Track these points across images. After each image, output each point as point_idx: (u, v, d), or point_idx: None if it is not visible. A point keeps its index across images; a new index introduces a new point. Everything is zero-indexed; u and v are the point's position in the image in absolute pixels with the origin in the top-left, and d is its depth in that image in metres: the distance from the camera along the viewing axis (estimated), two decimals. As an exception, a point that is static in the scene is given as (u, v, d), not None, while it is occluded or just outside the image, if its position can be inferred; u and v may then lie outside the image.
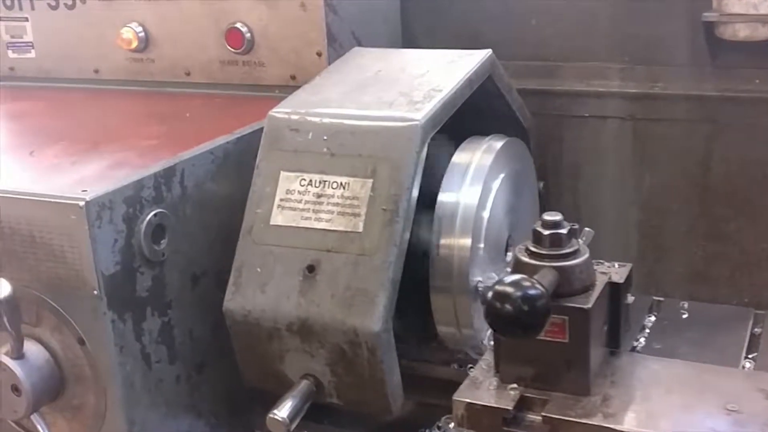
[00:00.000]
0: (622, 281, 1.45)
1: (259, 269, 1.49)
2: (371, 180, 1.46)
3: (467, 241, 1.54)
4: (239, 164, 1.68)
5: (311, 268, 1.46)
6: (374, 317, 1.41)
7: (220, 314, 1.58)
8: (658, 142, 2.12)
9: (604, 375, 1.41)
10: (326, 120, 1.52)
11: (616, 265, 1.49)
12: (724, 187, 2.09)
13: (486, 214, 1.57)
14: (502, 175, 1.62)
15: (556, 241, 1.38)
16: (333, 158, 1.49)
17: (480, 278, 1.57)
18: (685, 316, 1.81)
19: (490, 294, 1.14)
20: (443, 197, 1.56)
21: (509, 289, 1.13)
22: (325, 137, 1.51)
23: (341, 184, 1.48)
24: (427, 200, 1.54)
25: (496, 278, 1.59)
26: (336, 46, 1.88)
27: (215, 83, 2.00)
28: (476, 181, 1.57)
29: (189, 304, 1.61)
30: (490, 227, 1.58)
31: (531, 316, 1.13)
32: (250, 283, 1.50)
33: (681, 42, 2.03)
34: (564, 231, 1.38)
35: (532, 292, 1.14)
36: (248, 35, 1.93)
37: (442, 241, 1.54)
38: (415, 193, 1.47)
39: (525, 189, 1.76)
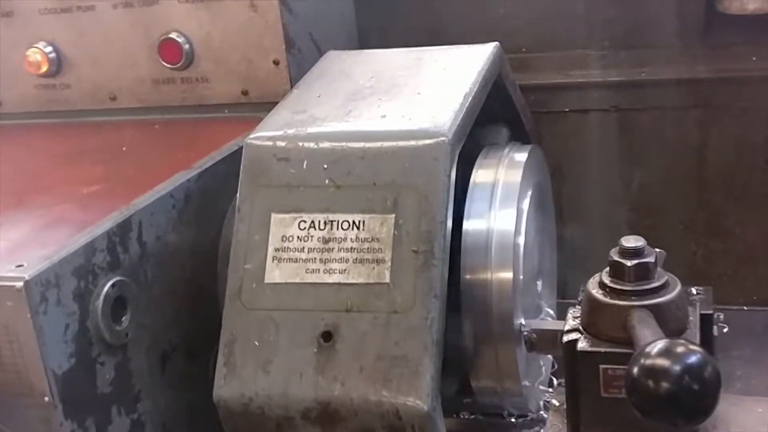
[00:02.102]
0: (711, 311, 1.10)
1: (257, 342, 1.08)
2: (393, 215, 1.07)
3: (508, 275, 1.16)
4: (203, 206, 1.26)
5: (328, 336, 1.06)
6: (421, 393, 1.01)
7: (194, 395, 1.18)
8: (647, 133, 1.79)
9: (706, 429, 1.07)
10: (324, 144, 1.11)
11: (694, 290, 1.14)
12: (722, 178, 1.76)
13: (522, 241, 1.19)
14: (530, 192, 1.25)
15: (643, 272, 1.01)
16: (339, 191, 1.09)
17: (522, 320, 1.19)
18: (725, 329, 1.49)
19: (635, 370, 0.77)
20: (471, 225, 1.18)
21: (664, 362, 0.76)
22: (326, 165, 1.10)
23: (354, 223, 1.08)
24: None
25: (546, 313, 1.24)
26: (294, 52, 1.47)
27: (148, 107, 1.55)
28: (508, 203, 1.19)
29: (160, 390, 1.18)
30: (526, 255, 1.21)
31: (702, 394, 0.76)
32: (247, 361, 1.08)
33: (668, 21, 1.70)
34: (651, 259, 1.03)
35: (694, 359, 0.76)
36: (186, 46, 1.50)
37: (477, 278, 1.16)
38: (450, 225, 1.08)
39: (547, 203, 1.39)
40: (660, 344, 0.78)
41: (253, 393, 1.07)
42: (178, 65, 1.51)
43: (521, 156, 1.25)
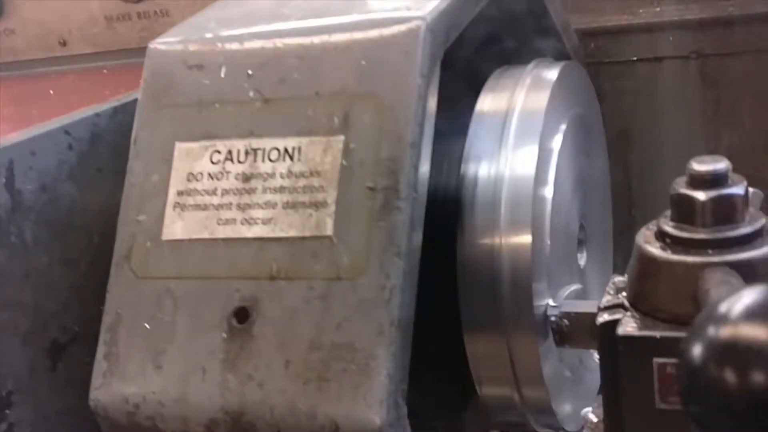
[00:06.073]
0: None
1: (147, 325, 0.73)
2: (342, 137, 0.71)
3: (526, 239, 0.78)
4: (122, 151, 0.92)
5: (242, 315, 0.70)
6: (371, 399, 0.65)
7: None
8: (738, 84, 1.38)
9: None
10: (251, 43, 0.76)
11: None
12: (836, 139, 1.36)
13: (548, 193, 0.82)
14: (563, 126, 0.87)
15: (727, 211, 0.62)
16: (268, 107, 0.74)
17: (550, 300, 0.81)
18: None
19: (697, 351, 0.39)
20: (472, 169, 0.81)
21: (756, 332, 0.37)
22: (251, 71, 0.75)
23: (286, 151, 0.72)
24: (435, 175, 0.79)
25: (611, 296, 0.85)
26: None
27: (102, 52, 1.24)
28: (527, 139, 0.81)
29: (47, 393, 0.84)
30: (556, 214, 0.83)
31: None
32: (134, 351, 0.73)
33: (764, -64, 1.31)
34: (739, 191, 0.64)
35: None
36: (142, -29, 1.18)
37: (480, 243, 0.79)
38: (426, 152, 0.72)
39: (594, 145, 1.00)
40: (746, 297, 0.39)
41: (140, 398, 0.72)
42: (134, -3, 1.19)
43: (550, 74, 0.87)
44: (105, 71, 1.19)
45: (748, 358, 0.35)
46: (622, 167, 1.45)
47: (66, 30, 1.25)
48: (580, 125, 0.92)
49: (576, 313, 0.80)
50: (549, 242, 0.81)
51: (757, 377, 0.35)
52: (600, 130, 1.02)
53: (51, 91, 1.09)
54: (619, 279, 0.69)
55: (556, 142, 0.85)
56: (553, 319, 0.80)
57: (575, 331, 0.80)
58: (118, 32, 1.22)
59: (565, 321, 0.80)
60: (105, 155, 0.90)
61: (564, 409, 0.85)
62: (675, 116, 1.43)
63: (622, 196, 1.41)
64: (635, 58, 1.42)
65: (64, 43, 1.25)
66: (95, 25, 1.23)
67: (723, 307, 0.39)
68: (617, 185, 1.41)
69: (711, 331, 0.38)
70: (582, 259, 0.93)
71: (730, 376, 0.36)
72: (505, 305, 0.78)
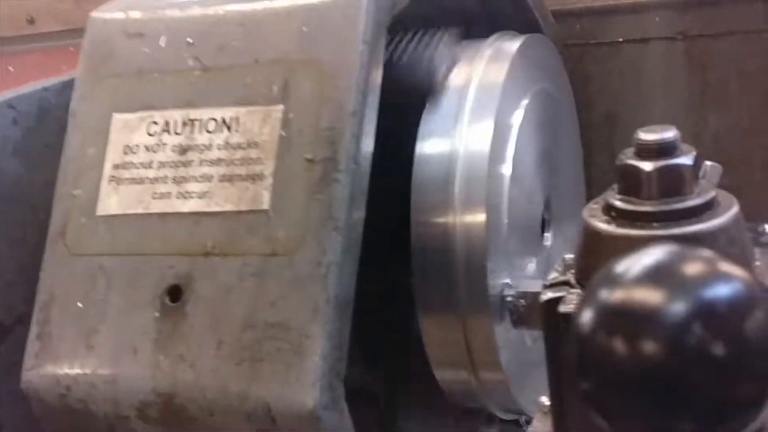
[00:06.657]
0: (796, 254, 0.66)
1: (80, 303, 0.69)
2: (281, 106, 0.67)
3: (480, 218, 0.74)
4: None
5: (175, 293, 0.66)
6: (305, 379, 0.61)
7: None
8: (726, 66, 1.34)
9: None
10: (192, 10, 0.73)
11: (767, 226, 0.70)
12: (827, 122, 1.31)
13: (506, 170, 0.78)
14: (525, 102, 0.83)
15: (674, 181, 0.58)
16: (207, 76, 0.70)
17: (508, 279, 0.77)
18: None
19: (587, 317, 0.35)
20: (426, 147, 0.77)
21: (650, 295, 0.34)
22: (191, 39, 0.71)
23: (224, 121, 0.69)
24: (392, 151, 0.76)
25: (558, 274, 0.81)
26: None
27: (72, 29, 1.21)
28: (483, 114, 0.77)
29: (-10, 377, 0.81)
30: (516, 191, 0.79)
31: (738, 368, 0.32)
32: (66, 331, 0.70)
33: None
34: (687, 161, 0.60)
35: (725, 291, 0.34)
36: (107, -54, 1.15)
37: (432, 221, 0.75)
38: (370, 124, 0.68)
39: (561, 122, 0.96)
40: (646, 257, 0.36)
41: (72, 379, 0.68)
42: (99, -28, 1.15)
43: (511, 46, 0.83)
44: (71, 48, 1.16)
45: (639, 325, 0.32)
46: (607, 149, 1.41)
47: (34, 8, 1.22)
48: (545, 101, 0.87)
49: (533, 293, 0.76)
50: (506, 220, 0.77)
51: (648, 347, 0.31)
52: (570, 106, 0.98)
53: (10, 68, 1.06)
54: (569, 256, 0.65)
55: (516, 117, 0.81)
56: (509, 299, 0.76)
57: (532, 311, 0.76)
58: (87, 9, 1.18)
59: (522, 301, 0.76)
60: (53, 131, 0.87)
61: (526, 394, 0.82)
62: (662, 98, 1.38)
63: (609, 179, 1.37)
64: (621, 40, 1.38)
65: (32, 21, 1.22)
66: (63, 3, 1.20)
67: (619, 268, 0.35)
68: (603, 169, 1.38)
69: (603, 294, 0.34)
70: (548, 239, 0.89)
71: (619, 345, 0.32)
72: (459, 285, 0.75)
